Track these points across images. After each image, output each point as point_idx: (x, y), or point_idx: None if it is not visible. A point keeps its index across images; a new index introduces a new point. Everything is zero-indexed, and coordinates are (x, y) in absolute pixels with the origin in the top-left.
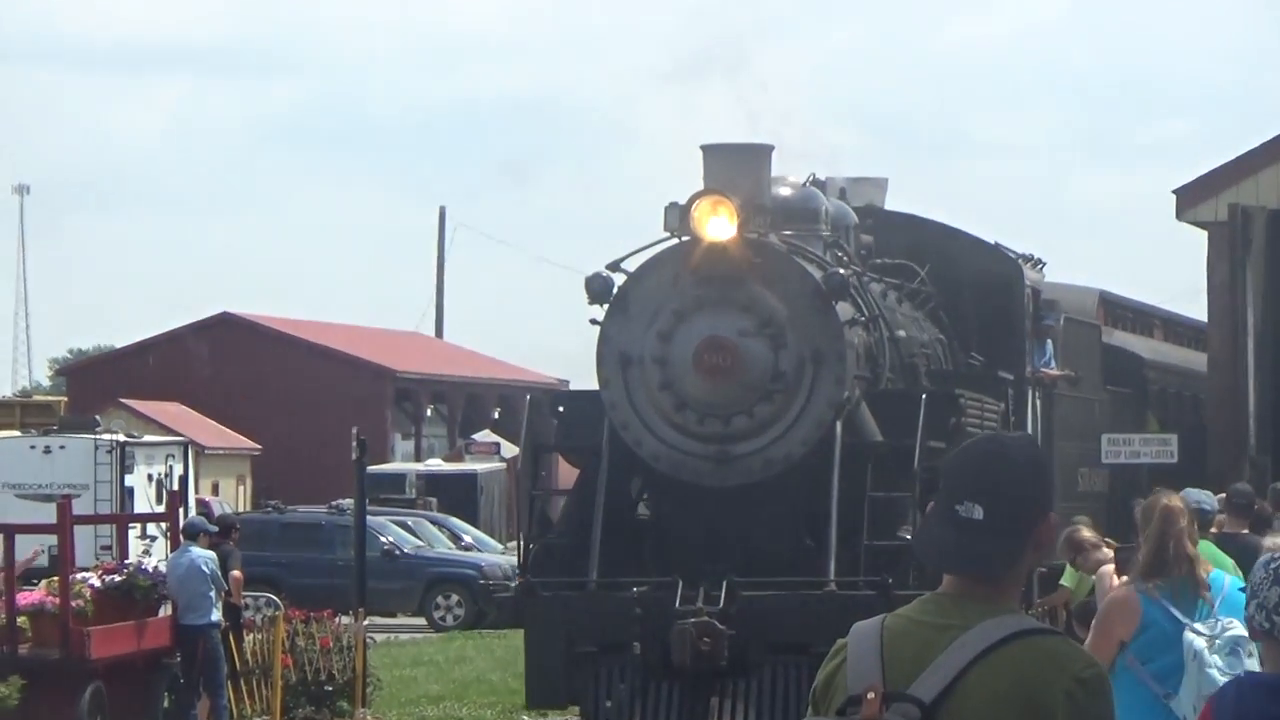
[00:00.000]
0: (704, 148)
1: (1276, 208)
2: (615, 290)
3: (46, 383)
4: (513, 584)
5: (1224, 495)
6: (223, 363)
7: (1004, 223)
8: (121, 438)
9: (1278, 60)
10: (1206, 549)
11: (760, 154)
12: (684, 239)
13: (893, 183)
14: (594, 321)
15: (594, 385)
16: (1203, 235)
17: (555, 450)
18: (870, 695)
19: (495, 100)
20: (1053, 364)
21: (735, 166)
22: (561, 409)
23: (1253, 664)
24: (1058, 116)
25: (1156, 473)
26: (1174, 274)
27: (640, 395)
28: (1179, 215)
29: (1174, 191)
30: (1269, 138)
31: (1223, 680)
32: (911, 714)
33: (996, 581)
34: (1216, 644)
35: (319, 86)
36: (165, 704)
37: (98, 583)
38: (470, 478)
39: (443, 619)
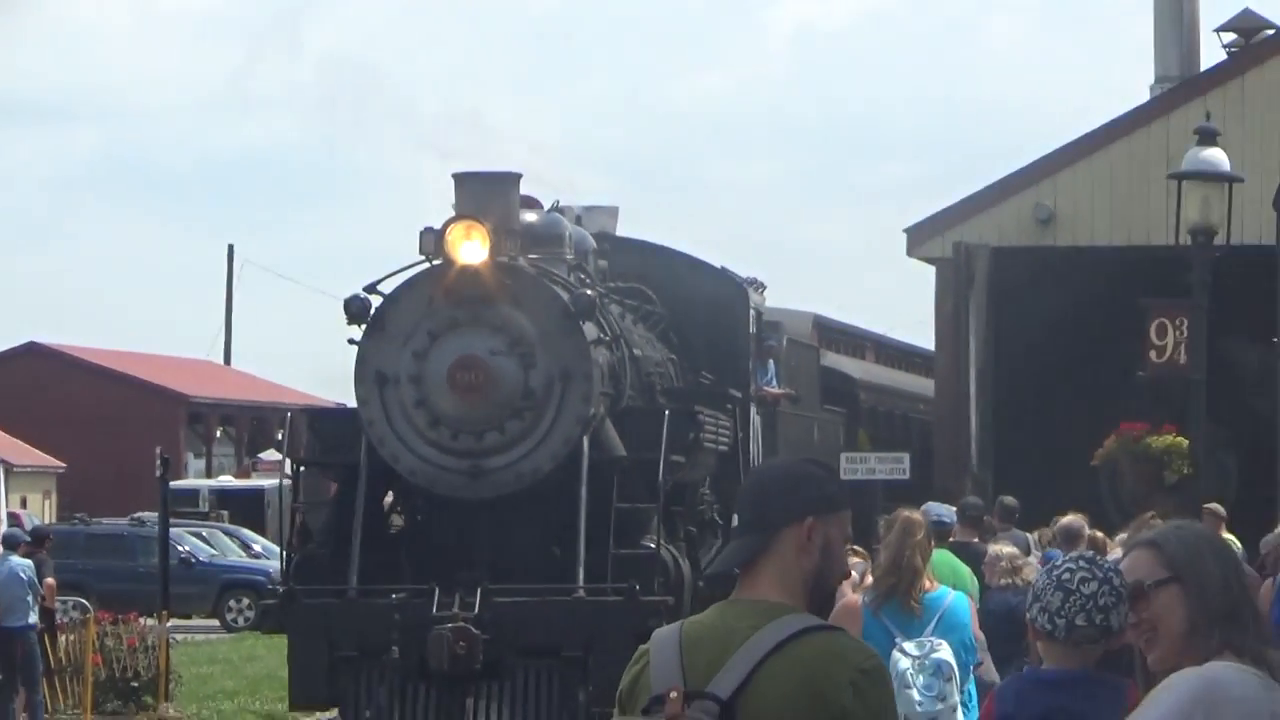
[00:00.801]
0: (455, 176)
1: (997, 245)
2: (373, 311)
3: None
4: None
5: (956, 508)
6: (30, 387)
7: (733, 254)
8: None
9: (996, 109)
10: (946, 557)
11: (509, 181)
12: (437, 262)
13: (628, 217)
14: (352, 341)
15: None
16: (931, 270)
17: (313, 464)
18: (673, 694)
19: (275, 147)
20: (775, 383)
21: (486, 193)
22: (315, 426)
23: (952, 689)
24: (787, 160)
25: (887, 488)
26: (904, 306)
27: (396, 412)
28: (909, 252)
29: (904, 230)
30: (990, 181)
31: (921, 701)
32: (711, 710)
33: (769, 581)
34: (923, 664)
35: (114, 135)
36: None
37: None
38: (258, 493)
39: (235, 620)
